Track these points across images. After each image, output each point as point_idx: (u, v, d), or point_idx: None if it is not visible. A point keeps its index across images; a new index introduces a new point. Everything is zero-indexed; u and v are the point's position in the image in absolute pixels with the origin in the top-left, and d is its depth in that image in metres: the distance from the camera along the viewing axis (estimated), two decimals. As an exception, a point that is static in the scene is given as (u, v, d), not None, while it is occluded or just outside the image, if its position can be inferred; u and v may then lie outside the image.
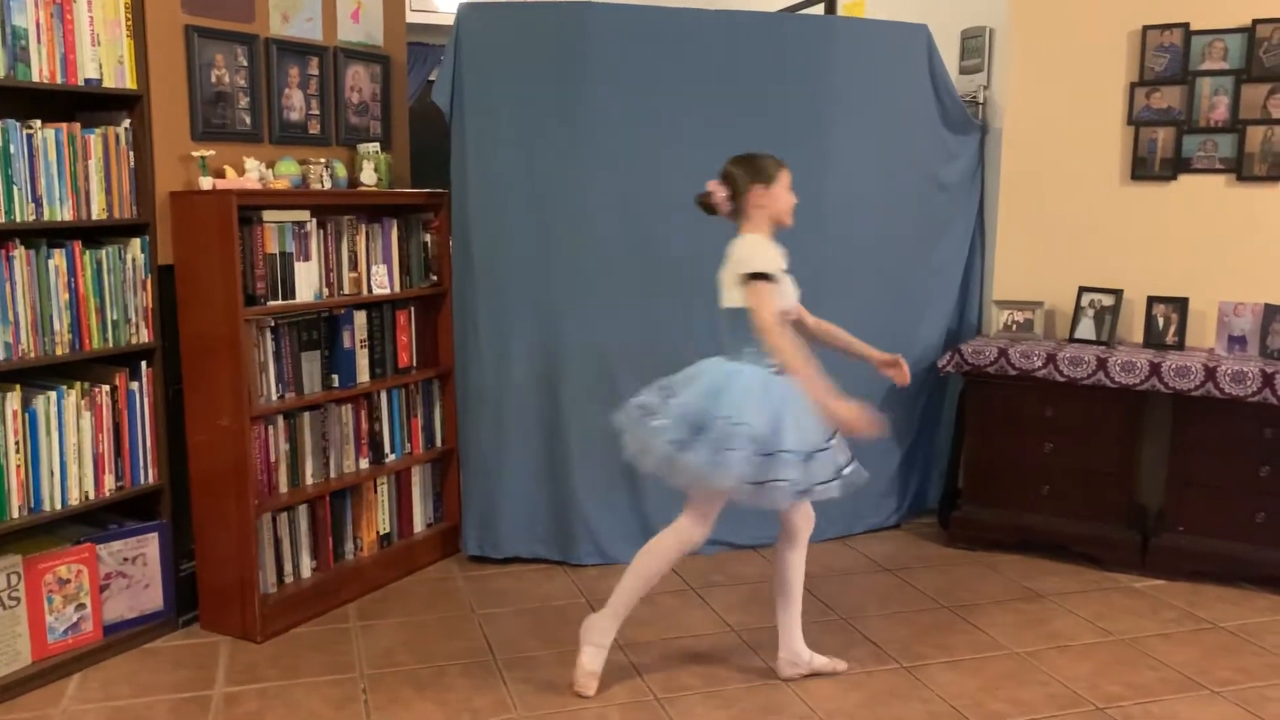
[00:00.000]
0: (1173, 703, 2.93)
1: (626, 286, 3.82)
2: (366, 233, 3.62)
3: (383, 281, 3.68)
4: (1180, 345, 3.95)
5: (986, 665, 3.15)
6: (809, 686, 3.01)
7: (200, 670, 3.08)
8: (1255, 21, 3.85)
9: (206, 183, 3.21)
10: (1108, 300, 4.07)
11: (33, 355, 2.91)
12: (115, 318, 3.11)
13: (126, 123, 3.11)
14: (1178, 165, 4.04)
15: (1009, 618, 3.48)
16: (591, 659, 2.95)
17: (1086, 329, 4.10)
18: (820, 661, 3.08)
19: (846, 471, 2.83)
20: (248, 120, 3.43)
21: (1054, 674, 3.09)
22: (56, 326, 2.96)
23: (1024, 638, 3.33)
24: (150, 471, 3.24)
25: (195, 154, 3.22)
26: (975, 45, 4.45)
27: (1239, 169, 3.94)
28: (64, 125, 2.95)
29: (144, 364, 3.20)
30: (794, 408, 2.75)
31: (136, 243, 3.15)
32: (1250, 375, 3.55)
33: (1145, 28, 4.03)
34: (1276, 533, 3.65)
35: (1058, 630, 3.39)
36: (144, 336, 3.19)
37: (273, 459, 3.37)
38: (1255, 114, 3.89)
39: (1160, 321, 4.00)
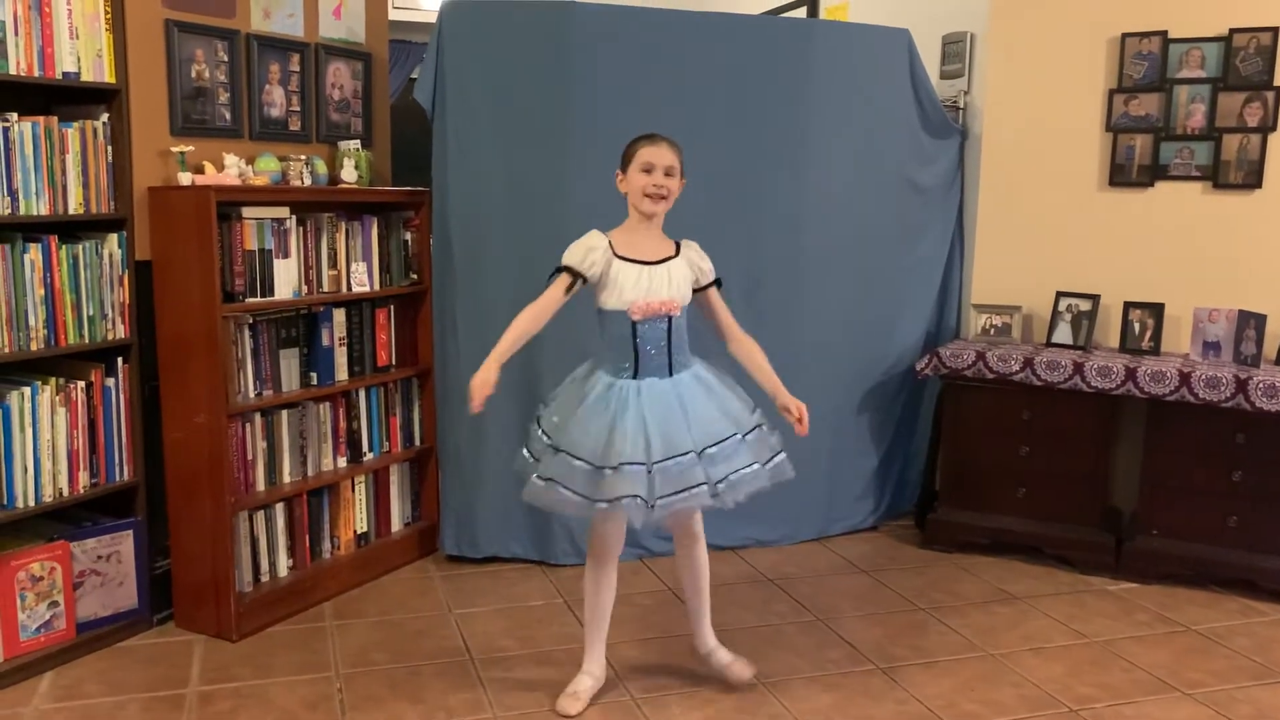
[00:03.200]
0: (1144, 704, 2.95)
1: (607, 287, 3.82)
2: (346, 230, 3.61)
3: (362, 279, 3.67)
4: (1155, 350, 3.99)
5: (961, 666, 3.17)
6: (785, 687, 3.02)
7: (174, 669, 3.07)
8: (1232, 31, 3.89)
9: (185, 178, 3.19)
10: (1085, 305, 4.10)
11: (7, 350, 2.89)
12: (91, 313, 3.09)
13: (105, 117, 3.09)
14: (1155, 172, 4.07)
15: (983, 619, 3.51)
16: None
17: (1063, 333, 4.12)
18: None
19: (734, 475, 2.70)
20: (228, 116, 3.41)
21: (1027, 675, 3.12)
22: (32, 322, 2.94)
23: (998, 639, 3.36)
24: (125, 469, 3.21)
25: (174, 149, 3.20)
26: (956, 50, 4.48)
27: (1215, 176, 3.98)
28: (41, 119, 2.93)
29: (120, 360, 3.18)
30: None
31: (114, 238, 3.13)
32: (1224, 381, 3.59)
33: (1124, 35, 4.06)
34: (1248, 537, 3.68)
35: (1031, 632, 3.42)
36: (120, 333, 3.17)
37: (250, 457, 3.36)
38: (1231, 122, 3.93)
39: (1136, 327, 4.03)
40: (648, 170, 2.74)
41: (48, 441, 3.00)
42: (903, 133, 4.22)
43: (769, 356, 2.92)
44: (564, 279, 2.75)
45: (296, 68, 3.61)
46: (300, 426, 3.53)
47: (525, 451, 2.86)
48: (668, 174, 2.75)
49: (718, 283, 2.88)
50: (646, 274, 2.74)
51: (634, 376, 2.72)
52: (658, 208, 2.76)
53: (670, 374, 2.75)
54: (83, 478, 3.10)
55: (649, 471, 2.62)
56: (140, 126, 3.16)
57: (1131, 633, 3.42)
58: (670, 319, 2.73)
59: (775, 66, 3.93)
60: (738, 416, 2.77)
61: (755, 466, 2.73)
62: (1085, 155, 4.19)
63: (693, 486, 2.64)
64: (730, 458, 2.70)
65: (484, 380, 2.67)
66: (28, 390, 2.95)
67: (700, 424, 2.70)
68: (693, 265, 2.83)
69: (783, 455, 2.79)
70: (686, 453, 2.65)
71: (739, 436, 2.73)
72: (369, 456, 3.79)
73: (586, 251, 2.75)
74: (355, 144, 3.71)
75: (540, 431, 2.82)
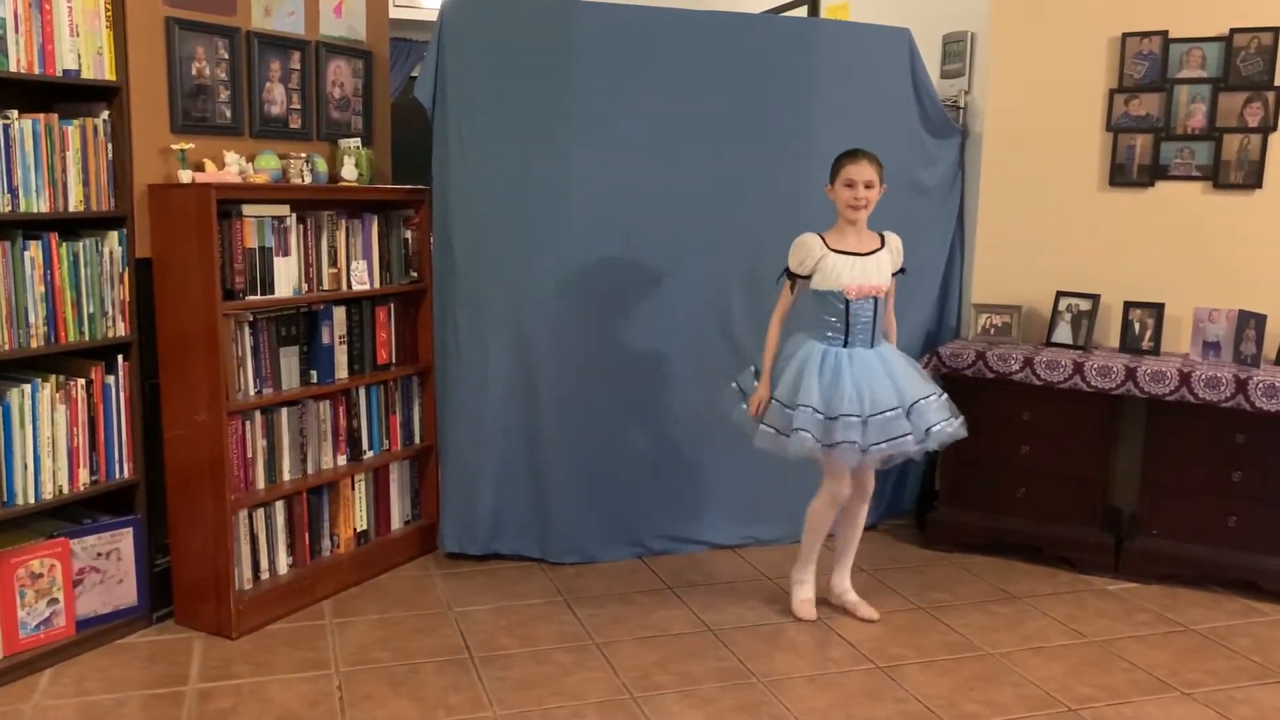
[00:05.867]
0: (1144, 704, 2.96)
1: (607, 284, 3.83)
2: (347, 228, 3.61)
3: (362, 278, 3.67)
4: (1156, 350, 3.99)
5: (960, 666, 3.17)
6: (784, 686, 3.02)
7: (174, 666, 3.07)
8: (1233, 30, 3.89)
9: (186, 176, 3.19)
10: (1085, 305, 4.10)
11: (7, 348, 2.89)
12: (92, 311, 3.09)
13: (105, 114, 3.09)
14: (1155, 172, 4.07)
15: (983, 619, 3.51)
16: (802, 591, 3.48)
17: (1064, 333, 4.13)
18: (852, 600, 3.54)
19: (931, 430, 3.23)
20: (228, 114, 3.41)
21: (1027, 675, 3.12)
22: (32, 319, 2.94)
23: (998, 639, 3.36)
24: (125, 466, 3.21)
25: (174, 147, 3.20)
26: (957, 50, 4.48)
27: (1215, 176, 3.98)
28: (41, 116, 2.93)
29: (120, 358, 3.17)
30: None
31: (114, 235, 3.12)
32: (1224, 381, 3.59)
33: (1125, 35, 4.06)
34: (1248, 537, 3.68)
35: (1031, 632, 3.42)
36: (121, 330, 3.17)
37: (250, 455, 3.36)
38: (1232, 122, 3.93)
39: (1136, 326, 4.03)
40: (850, 185, 3.22)
41: (48, 439, 3.00)
42: (904, 132, 4.22)
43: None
44: (788, 283, 3.30)
45: (297, 65, 3.61)
46: (300, 424, 3.53)
47: (743, 405, 3.38)
48: (867, 186, 3.22)
49: (902, 270, 3.40)
50: (860, 264, 3.24)
51: (844, 345, 3.25)
52: (858, 216, 3.25)
53: (872, 345, 3.29)
54: (83, 475, 3.10)
55: (864, 423, 3.14)
56: (141, 124, 3.16)
57: (1131, 633, 3.42)
58: (876, 300, 3.27)
59: (776, 66, 3.93)
60: (927, 382, 3.33)
61: (953, 421, 3.26)
62: (1086, 155, 4.19)
63: (898, 436, 3.16)
64: (927, 413, 3.22)
65: (764, 396, 3.27)
66: (28, 387, 2.95)
67: (904, 385, 3.23)
68: (894, 254, 3.35)
69: (961, 418, 3.31)
70: (895, 408, 3.17)
71: (935, 396, 3.27)
72: (369, 454, 3.79)
73: (802, 255, 3.27)
74: (356, 142, 3.71)
75: (745, 391, 3.39)
